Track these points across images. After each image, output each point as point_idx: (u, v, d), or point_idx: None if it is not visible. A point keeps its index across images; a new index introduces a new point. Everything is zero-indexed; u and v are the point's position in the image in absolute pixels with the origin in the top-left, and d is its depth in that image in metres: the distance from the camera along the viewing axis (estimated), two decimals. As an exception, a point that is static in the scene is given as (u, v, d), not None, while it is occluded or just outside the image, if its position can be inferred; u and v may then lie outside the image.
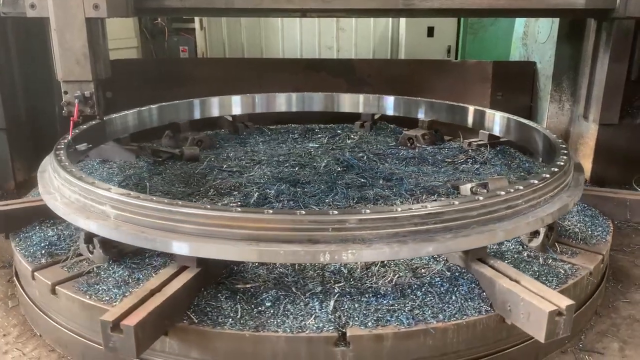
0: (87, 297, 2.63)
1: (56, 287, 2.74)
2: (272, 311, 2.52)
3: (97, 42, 3.68)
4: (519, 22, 6.46)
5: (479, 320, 2.50)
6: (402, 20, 7.95)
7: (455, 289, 2.67)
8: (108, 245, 2.88)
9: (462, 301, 2.58)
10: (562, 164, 3.29)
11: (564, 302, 2.28)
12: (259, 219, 2.51)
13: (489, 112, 5.20)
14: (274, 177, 4.24)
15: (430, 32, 7.89)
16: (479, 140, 5.18)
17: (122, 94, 4.63)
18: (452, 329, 2.46)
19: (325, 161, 4.62)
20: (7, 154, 4.79)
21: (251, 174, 4.35)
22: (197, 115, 5.60)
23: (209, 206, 2.64)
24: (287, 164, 4.61)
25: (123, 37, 7.47)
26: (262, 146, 5.35)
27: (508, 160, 4.93)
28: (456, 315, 2.50)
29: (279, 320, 2.46)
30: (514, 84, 6.01)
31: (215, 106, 5.68)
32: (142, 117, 5.12)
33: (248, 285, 2.70)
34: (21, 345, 2.88)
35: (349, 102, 5.91)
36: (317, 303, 2.57)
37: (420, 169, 4.65)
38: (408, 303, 2.57)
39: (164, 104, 5.33)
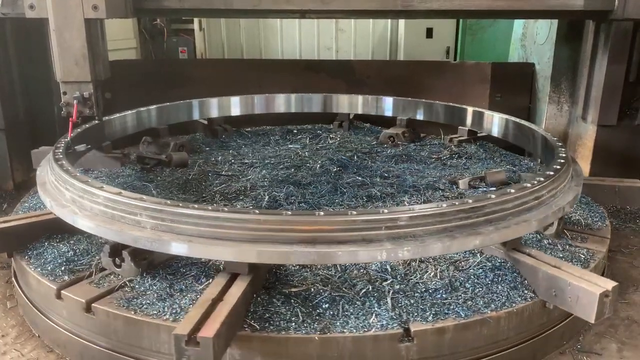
0: (132, 312, 2.51)
1: (92, 304, 2.60)
2: (331, 313, 2.51)
3: (96, 43, 3.68)
4: (518, 24, 6.47)
5: (526, 306, 2.63)
6: (401, 21, 7.97)
7: (499, 278, 2.78)
8: (139, 257, 2.76)
9: (508, 290, 2.70)
10: (564, 155, 3.46)
11: (609, 284, 2.43)
12: (313, 221, 2.49)
13: (487, 112, 5.21)
14: (275, 179, 4.21)
15: (429, 33, 7.90)
16: (459, 136, 5.34)
17: (121, 94, 4.64)
18: (504, 317, 2.56)
19: (320, 162, 4.62)
20: (5, 154, 4.78)
21: (248, 177, 4.30)
22: (196, 116, 5.59)
23: (257, 211, 2.57)
24: (282, 166, 4.58)
25: (122, 38, 7.47)
26: (246, 149, 5.26)
27: (490, 154, 5.09)
28: (506, 304, 2.60)
29: (342, 321, 2.46)
30: (513, 85, 6.01)
31: (214, 107, 5.67)
32: (141, 118, 5.11)
33: (297, 289, 2.67)
34: (20, 345, 2.88)
35: (347, 102, 5.91)
36: (374, 301, 2.58)
37: (411, 166, 4.75)
38: (460, 295, 2.64)
39: (163, 104, 5.32)
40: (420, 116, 5.65)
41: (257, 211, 2.57)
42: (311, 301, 2.59)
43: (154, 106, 5.24)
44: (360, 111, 5.87)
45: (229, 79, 6.09)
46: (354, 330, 2.40)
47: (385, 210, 2.56)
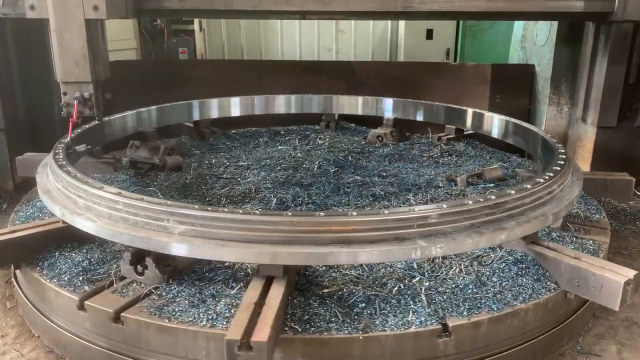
0: (166, 320, 2.45)
1: (121, 314, 2.52)
2: (369, 312, 2.52)
3: (97, 44, 3.69)
4: (518, 25, 6.47)
5: (550, 297, 2.71)
6: (402, 23, 7.97)
7: (523, 271, 2.85)
8: (162, 263, 2.69)
9: (532, 282, 2.77)
10: (563, 150, 3.57)
11: (631, 272, 2.52)
12: (347, 221, 2.50)
13: (487, 114, 5.22)
14: (276, 181, 4.18)
15: (429, 34, 7.91)
16: (447, 135, 5.45)
17: (121, 95, 4.64)
18: (531, 308, 2.64)
19: (317, 162, 4.61)
20: (5, 155, 4.78)
21: (248, 179, 4.27)
22: (196, 116, 5.59)
23: (290, 213, 2.58)
24: (279, 168, 4.55)
25: (122, 38, 7.48)
26: (238, 151, 5.21)
27: (478, 151, 5.20)
28: (532, 296, 2.67)
29: (381, 320, 2.47)
30: (513, 87, 6.01)
31: (214, 107, 5.67)
32: (141, 118, 5.11)
33: (330, 290, 2.66)
34: (19, 346, 2.87)
35: (347, 103, 5.91)
36: (409, 299, 2.61)
37: (405, 165, 4.81)
38: (490, 289, 2.70)
39: (163, 105, 5.32)
40: (420, 117, 5.67)
41: (289, 213, 2.58)
42: (346, 301, 2.59)
43: (154, 107, 5.24)
44: (360, 112, 5.87)
45: (229, 80, 6.09)
46: (395, 329, 2.43)
47: (415, 209, 2.61)
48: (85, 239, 2.99)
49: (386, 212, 2.55)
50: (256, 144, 5.49)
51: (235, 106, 5.75)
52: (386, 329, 2.42)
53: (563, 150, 3.60)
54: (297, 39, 8.27)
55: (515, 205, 2.79)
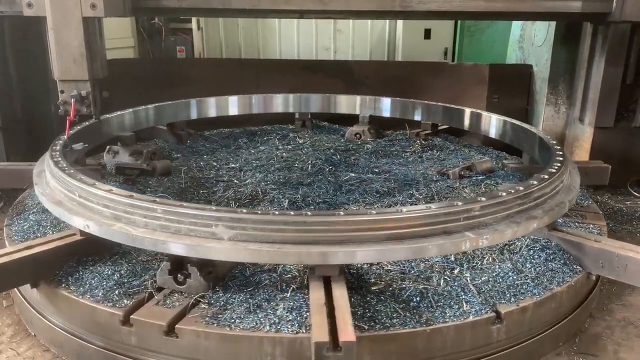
0: (227, 329, 2.39)
1: (175, 326, 2.42)
2: (425, 304, 2.56)
3: (94, 42, 3.68)
4: (516, 25, 6.48)
5: (578, 279, 2.86)
6: (400, 22, 7.98)
7: (551, 257, 2.97)
8: (205, 271, 2.60)
9: (561, 266, 2.91)
10: (559, 147, 3.69)
11: None
12: (399, 218, 2.53)
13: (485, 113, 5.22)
14: (277, 182, 4.13)
15: (427, 34, 7.92)
16: (423, 130, 5.60)
17: (118, 93, 4.62)
18: (565, 291, 2.78)
19: (310, 161, 4.60)
20: (2, 153, 4.76)
21: (246, 181, 4.19)
22: (194, 115, 5.57)
23: (342, 212, 2.58)
24: (272, 168, 4.50)
25: (120, 36, 7.47)
26: (222, 153, 5.09)
27: (455, 145, 5.37)
28: (564, 279, 2.82)
29: (439, 312, 2.51)
30: (511, 87, 6.02)
31: (212, 106, 5.66)
32: (139, 117, 5.10)
33: (380, 287, 2.67)
34: (15, 345, 2.87)
35: (346, 103, 5.90)
36: (459, 290, 2.66)
37: (392, 161, 4.90)
38: (527, 275, 2.80)
39: (160, 104, 5.31)
40: (417, 116, 5.68)
41: (341, 212, 2.58)
42: (400, 296, 2.62)
43: (152, 105, 5.23)
44: (358, 112, 5.86)
45: (227, 79, 6.08)
46: (455, 319, 2.48)
47: (459, 203, 2.67)
48: (103, 251, 2.90)
49: (433, 207, 2.61)
50: (237, 145, 5.39)
51: (232, 105, 5.74)
52: (447, 320, 2.47)
53: (555, 142, 3.77)
54: (295, 38, 8.27)
55: (540, 195, 2.95)
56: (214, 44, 8.34)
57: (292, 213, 2.55)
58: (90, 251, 2.90)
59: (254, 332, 2.37)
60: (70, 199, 2.93)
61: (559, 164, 3.30)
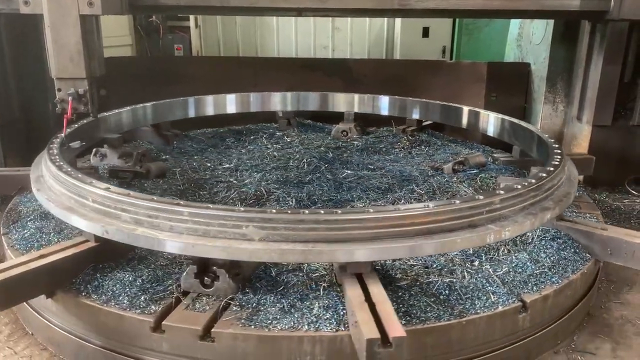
0: (265, 330, 2.38)
1: (211, 330, 2.39)
2: (454, 297, 2.62)
3: (92, 40, 3.66)
4: (514, 24, 6.48)
5: (589, 266, 2.99)
6: (398, 21, 7.97)
7: (562, 246, 3.08)
8: (233, 272, 2.57)
9: (573, 254, 3.03)
10: (556, 145, 3.73)
11: None
12: (426, 213, 2.57)
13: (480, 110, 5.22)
14: (277, 181, 4.08)
15: (426, 32, 7.91)
16: (409, 126, 5.69)
17: (116, 91, 4.61)
18: (579, 278, 2.90)
19: (305, 160, 4.57)
20: (-1, 152, 4.76)
21: (245, 181, 4.12)
22: (192, 113, 5.56)
23: (371, 210, 2.60)
24: (269, 168, 4.44)
25: (117, 34, 7.44)
26: (212, 153, 4.96)
27: (441, 140, 5.49)
28: (577, 266, 2.94)
29: (469, 304, 2.58)
30: (509, 85, 6.03)
31: (210, 105, 5.65)
32: (137, 115, 5.08)
33: (407, 281, 2.72)
34: (13, 343, 2.86)
35: (343, 101, 5.90)
36: (484, 281, 2.74)
37: (383, 157, 4.96)
38: (544, 265, 2.90)
39: (157, 102, 5.29)
40: (416, 115, 5.69)
41: (371, 210, 2.60)
42: (429, 290, 2.65)
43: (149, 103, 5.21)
44: (356, 109, 5.86)
45: (225, 77, 6.07)
46: (485, 310, 2.54)
47: (481, 197, 2.72)
48: (118, 256, 2.84)
49: (457, 201, 2.64)
50: (226, 145, 5.32)
51: (230, 103, 5.73)
52: (478, 312, 2.53)
53: (549, 138, 3.84)
54: (293, 37, 8.25)
55: (549, 187, 3.04)
56: (211, 42, 8.31)
57: (322, 212, 2.54)
58: (105, 257, 2.81)
59: (292, 332, 2.37)
60: (81, 205, 2.82)
61: (559, 157, 3.41)
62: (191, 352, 2.42)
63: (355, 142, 5.36)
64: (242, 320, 2.42)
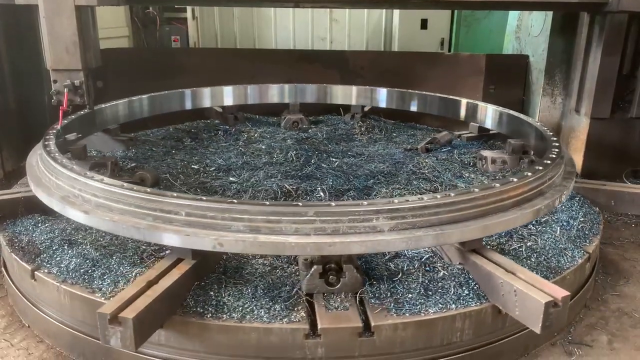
0: (422, 315, 2.44)
1: (372, 325, 2.38)
2: (542, 258, 2.92)
3: (87, 31, 3.64)
4: (512, 16, 6.45)
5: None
6: (396, 12, 7.93)
7: (578, 205, 3.54)
8: (355, 266, 2.56)
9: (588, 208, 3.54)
10: (555, 138, 3.78)
11: None
12: (517, 186, 2.80)
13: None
14: (287, 175, 3.99)
15: (424, 24, 7.88)
16: (356, 113, 5.86)
17: (112, 83, 4.58)
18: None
19: (290, 154, 4.51)
20: (-5, 144, 4.74)
21: (250, 180, 3.92)
22: (188, 105, 5.53)
23: (476, 189, 2.70)
24: (261, 164, 4.31)
25: (114, 26, 7.38)
26: (182, 156, 4.59)
27: (390, 124, 5.73)
28: (595, 226, 3.39)
29: (554, 263, 2.91)
30: (507, 77, 6.01)
31: (206, 96, 5.62)
32: (133, 107, 5.05)
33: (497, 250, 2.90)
34: (9, 335, 2.86)
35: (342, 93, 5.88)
36: (555, 241, 3.10)
37: (352, 144, 5.10)
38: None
39: (155, 94, 5.26)
40: (414, 107, 5.66)
41: (476, 189, 2.69)
42: (521, 255, 2.95)
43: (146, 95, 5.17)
44: (354, 102, 5.84)
45: (222, 69, 6.04)
46: (574, 264, 2.93)
47: (540, 167, 3.03)
48: (210, 269, 2.69)
49: (498, 185, 2.75)
50: (190, 146, 4.91)
51: (228, 95, 5.70)
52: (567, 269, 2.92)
53: (555, 138, 3.81)
54: (290, 28, 8.21)
55: (552, 175, 3.13)
56: (209, 34, 8.26)
57: (438, 196, 2.59)
58: (202, 274, 2.61)
59: (445, 313, 2.46)
60: (167, 221, 2.50)
61: (555, 139, 3.67)
62: (350, 351, 2.40)
63: (317, 132, 5.39)
64: (394, 310, 2.45)
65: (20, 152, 4.53)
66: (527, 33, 5.97)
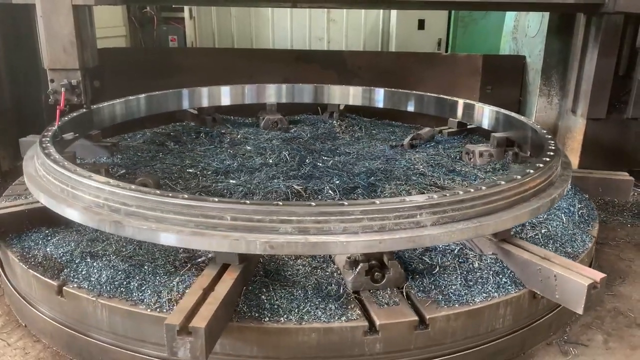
0: (471, 305, 2.55)
1: (427, 317, 2.45)
2: (557, 244, 3.11)
3: (85, 30, 3.64)
4: (509, 16, 6.47)
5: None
6: (393, 13, 7.93)
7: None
8: (399, 262, 2.64)
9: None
10: (550, 136, 3.83)
11: None
12: (534, 178, 2.91)
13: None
14: (291, 177, 3.97)
15: (421, 24, 7.88)
16: (332, 111, 5.86)
17: (110, 83, 4.57)
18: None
19: (283, 154, 4.47)
20: (-7, 142, 4.73)
21: (254, 182, 3.87)
22: (185, 105, 5.52)
23: (502, 182, 2.79)
24: (257, 165, 4.27)
25: (111, 25, 7.38)
26: (172, 160, 4.46)
27: (368, 123, 5.77)
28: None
29: (570, 248, 3.13)
30: (504, 78, 6.02)
31: (205, 96, 5.62)
32: (130, 106, 5.04)
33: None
34: (6, 335, 2.86)
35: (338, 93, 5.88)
36: (566, 226, 3.34)
37: (337, 143, 5.10)
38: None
39: (154, 93, 5.25)
40: (411, 107, 5.66)
41: (502, 182, 2.78)
42: (539, 242, 3.07)
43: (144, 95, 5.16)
44: (351, 102, 5.84)
45: (220, 68, 6.04)
46: (586, 249, 3.11)
47: (548, 159, 3.16)
48: (253, 273, 2.67)
49: (503, 183, 2.79)
50: (176, 150, 4.77)
51: (225, 95, 5.70)
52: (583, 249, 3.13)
53: (549, 136, 3.87)
54: (288, 28, 8.20)
55: (557, 164, 3.25)
56: (206, 34, 8.25)
57: (471, 190, 2.65)
58: (248, 277, 2.60)
59: (491, 301, 2.57)
60: (211, 227, 2.43)
61: (549, 136, 3.77)
62: (406, 344, 2.47)
63: (300, 132, 5.36)
64: (443, 302, 2.53)
65: (16, 152, 4.51)
66: (523, 34, 5.99)
